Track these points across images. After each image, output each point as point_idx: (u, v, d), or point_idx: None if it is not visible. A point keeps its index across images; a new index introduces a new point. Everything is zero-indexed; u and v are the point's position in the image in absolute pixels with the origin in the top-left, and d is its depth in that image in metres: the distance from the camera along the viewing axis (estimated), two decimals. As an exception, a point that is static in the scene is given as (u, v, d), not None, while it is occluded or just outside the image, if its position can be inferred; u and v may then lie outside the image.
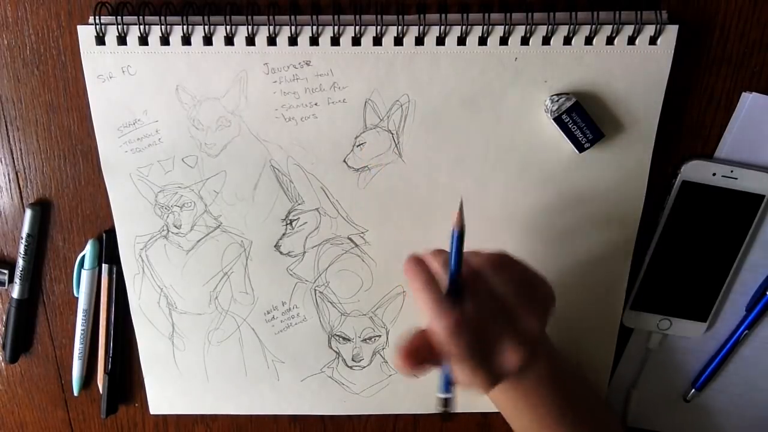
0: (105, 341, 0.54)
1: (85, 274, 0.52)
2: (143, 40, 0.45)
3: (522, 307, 0.39)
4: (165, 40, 0.45)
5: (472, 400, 0.55)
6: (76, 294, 0.53)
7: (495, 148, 0.47)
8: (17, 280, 0.52)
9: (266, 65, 0.45)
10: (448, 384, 0.41)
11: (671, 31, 0.44)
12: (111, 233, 0.51)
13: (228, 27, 0.44)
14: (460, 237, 0.39)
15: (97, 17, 0.44)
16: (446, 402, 0.41)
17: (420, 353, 0.40)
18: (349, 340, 0.53)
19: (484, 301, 0.39)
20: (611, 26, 0.44)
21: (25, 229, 0.51)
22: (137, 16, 0.44)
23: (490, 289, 0.39)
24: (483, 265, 0.40)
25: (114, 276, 0.52)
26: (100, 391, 0.56)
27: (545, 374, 0.41)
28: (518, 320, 0.39)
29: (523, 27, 0.44)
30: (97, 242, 0.52)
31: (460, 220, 0.39)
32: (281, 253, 0.51)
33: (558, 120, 0.45)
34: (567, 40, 0.44)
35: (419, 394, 0.55)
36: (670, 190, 0.49)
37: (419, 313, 0.52)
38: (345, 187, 0.49)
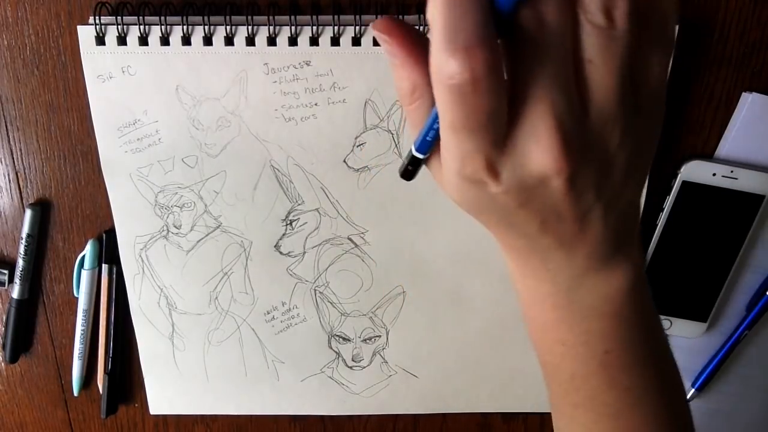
0: (105, 341, 0.54)
1: (85, 274, 0.52)
2: (143, 41, 0.45)
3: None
4: (165, 41, 0.45)
5: (472, 400, 0.55)
6: (76, 294, 0.53)
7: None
8: (17, 280, 0.52)
9: (266, 65, 0.45)
10: (430, 143, 0.24)
11: (671, 31, 0.44)
12: (111, 233, 0.51)
13: (228, 27, 0.44)
14: None
15: (97, 17, 0.44)
16: (415, 163, 0.26)
17: (409, 44, 0.23)
18: (349, 340, 0.53)
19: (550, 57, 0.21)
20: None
21: (25, 229, 0.51)
22: (137, 16, 0.44)
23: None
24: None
25: (114, 276, 0.52)
26: (100, 391, 0.56)
27: (636, 282, 0.27)
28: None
29: (523, 27, 0.44)
30: (97, 242, 0.52)
31: None
32: (281, 253, 0.51)
33: (558, 120, 0.45)
34: (567, 40, 0.44)
35: (419, 394, 0.55)
36: (670, 190, 0.48)
37: (419, 313, 0.52)
38: (345, 187, 0.49)
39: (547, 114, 0.21)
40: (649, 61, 0.22)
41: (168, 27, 0.44)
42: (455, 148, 0.22)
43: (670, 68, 0.45)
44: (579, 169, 0.22)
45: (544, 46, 0.20)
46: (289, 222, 0.50)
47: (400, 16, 0.44)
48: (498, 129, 0.21)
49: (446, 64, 0.19)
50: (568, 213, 0.23)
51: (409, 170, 0.27)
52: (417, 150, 0.25)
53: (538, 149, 0.21)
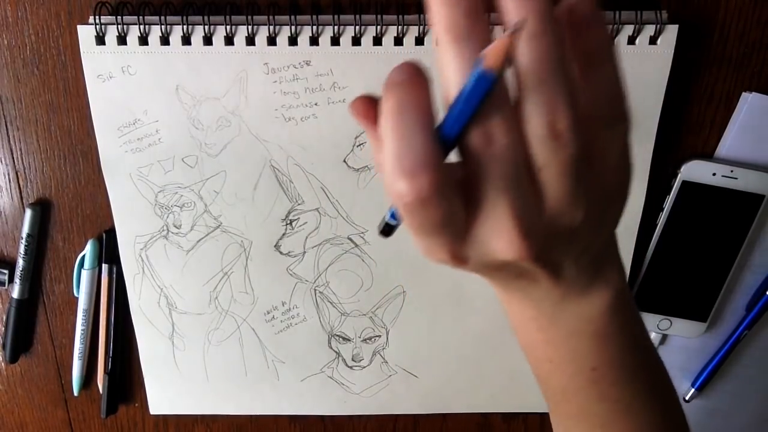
0: (105, 341, 0.54)
1: (85, 274, 0.52)
2: (143, 40, 0.45)
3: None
4: (165, 40, 0.45)
5: (472, 400, 0.55)
6: (76, 294, 0.53)
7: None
8: (17, 280, 0.52)
9: (266, 65, 0.45)
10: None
11: (671, 31, 0.44)
12: (111, 233, 0.51)
13: (228, 27, 0.44)
14: (487, 81, 0.20)
15: (97, 17, 0.44)
16: (389, 228, 0.27)
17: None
18: (349, 340, 0.53)
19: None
20: (611, 26, 0.44)
21: (25, 229, 0.51)
22: (137, 16, 0.44)
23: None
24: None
25: (114, 276, 0.52)
26: (100, 391, 0.56)
27: (619, 302, 0.28)
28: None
29: (523, 27, 0.44)
30: (97, 242, 0.52)
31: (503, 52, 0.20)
32: (281, 253, 0.51)
33: (558, 120, 0.45)
34: (567, 40, 0.44)
35: (419, 394, 0.55)
36: (670, 190, 0.48)
37: (419, 313, 0.52)
38: (345, 187, 0.49)
39: (506, 214, 0.22)
40: (606, 142, 0.23)
41: (168, 27, 0.44)
42: (420, 243, 0.24)
43: (670, 68, 0.45)
44: (542, 250, 0.23)
45: (495, 161, 0.21)
46: (289, 222, 0.50)
47: (400, 17, 0.44)
48: (456, 229, 0.23)
49: (395, 185, 0.21)
50: (540, 275, 0.25)
51: (386, 231, 0.28)
52: (391, 217, 0.26)
53: (501, 243, 0.23)
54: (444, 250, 0.23)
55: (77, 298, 0.53)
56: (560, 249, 0.24)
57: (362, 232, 0.50)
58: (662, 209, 0.49)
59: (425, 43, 0.45)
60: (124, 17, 0.44)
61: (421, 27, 0.44)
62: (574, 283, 0.26)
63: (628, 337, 0.29)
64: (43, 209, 0.51)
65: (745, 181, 0.48)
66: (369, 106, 0.24)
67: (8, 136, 0.49)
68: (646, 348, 0.31)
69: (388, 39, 0.44)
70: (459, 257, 0.24)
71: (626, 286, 0.29)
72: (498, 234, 0.22)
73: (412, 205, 0.21)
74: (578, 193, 0.22)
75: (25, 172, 0.50)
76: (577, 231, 0.23)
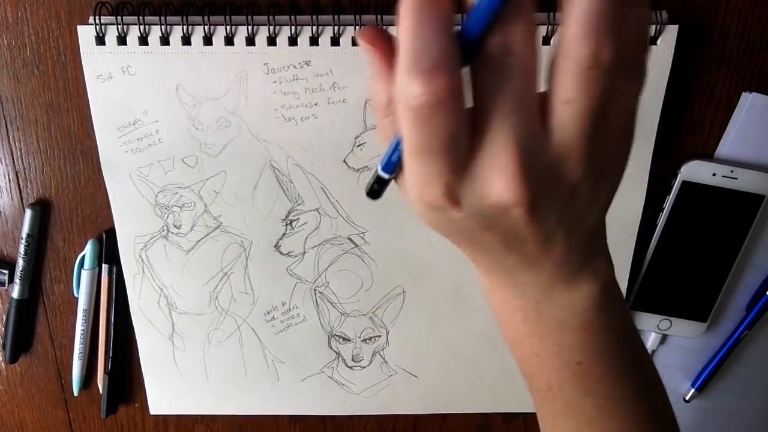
0: (105, 341, 0.54)
1: (85, 274, 0.52)
2: (143, 40, 0.45)
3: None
4: (165, 40, 0.45)
5: (472, 400, 0.55)
6: (76, 294, 0.53)
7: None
8: (17, 280, 0.52)
9: (266, 65, 0.45)
10: (395, 164, 0.25)
11: (671, 31, 0.44)
12: (111, 233, 0.51)
13: (228, 27, 0.44)
14: None
15: (97, 17, 0.44)
16: (381, 182, 0.27)
17: (391, 57, 0.23)
18: (349, 340, 0.53)
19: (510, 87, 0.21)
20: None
21: (25, 229, 0.51)
22: (137, 16, 0.44)
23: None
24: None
25: (114, 276, 0.52)
26: (100, 391, 0.56)
27: (604, 293, 0.27)
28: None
29: (523, 27, 0.44)
30: (97, 242, 0.52)
31: None
32: (281, 253, 0.51)
33: (558, 120, 0.45)
34: (567, 40, 0.44)
35: (419, 394, 0.55)
36: (670, 190, 0.48)
37: (419, 313, 0.52)
38: (345, 187, 0.49)
39: (509, 144, 0.21)
40: (621, 94, 0.21)
41: (168, 27, 0.44)
42: (416, 173, 0.22)
43: (670, 68, 0.45)
44: (539, 199, 0.22)
45: (509, 75, 0.20)
46: (289, 222, 0.50)
47: (400, 16, 0.44)
48: (458, 154, 0.21)
49: (409, 84, 0.19)
50: (530, 237, 0.24)
51: (375, 189, 0.27)
52: (383, 170, 0.25)
53: (499, 179, 0.21)
54: (440, 182, 0.22)
55: (77, 298, 0.53)
56: (555, 209, 0.23)
57: (362, 232, 0.50)
58: (662, 209, 0.49)
59: (425, 43, 0.44)
60: (124, 17, 0.44)
61: (421, 27, 0.44)
62: (563, 267, 0.26)
63: (615, 332, 0.29)
64: (43, 209, 0.51)
65: (745, 181, 0.48)
66: (376, 35, 0.23)
67: (8, 136, 0.49)
68: (635, 344, 0.31)
69: (388, 39, 0.44)
70: (453, 195, 0.22)
71: (614, 280, 0.28)
72: (498, 169, 0.21)
73: (424, 110, 0.20)
74: (590, 140, 0.21)
75: (25, 172, 0.50)
76: (575, 191, 0.23)
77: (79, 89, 0.48)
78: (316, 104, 0.46)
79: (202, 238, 0.50)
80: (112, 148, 0.48)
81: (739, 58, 0.46)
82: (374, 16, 0.44)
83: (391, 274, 0.51)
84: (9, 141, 0.49)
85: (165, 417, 0.58)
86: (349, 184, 0.49)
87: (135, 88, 0.46)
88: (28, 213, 0.51)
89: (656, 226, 0.50)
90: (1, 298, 0.54)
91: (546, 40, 0.44)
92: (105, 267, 0.52)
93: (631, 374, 0.30)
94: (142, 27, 0.44)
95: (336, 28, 0.44)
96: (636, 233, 0.49)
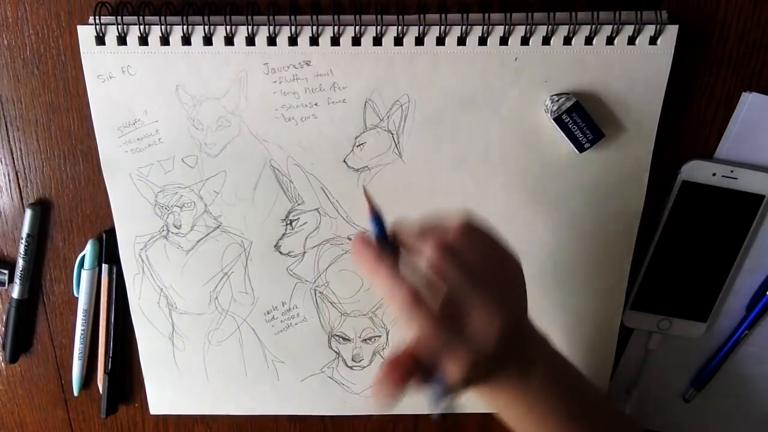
0: (105, 341, 0.54)
1: (85, 274, 0.52)
2: (143, 40, 0.45)
3: (495, 282, 0.36)
4: (165, 40, 0.45)
5: (472, 400, 0.55)
6: (76, 294, 0.53)
7: (495, 148, 0.47)
8: (17, 280, 0.52)
9: (266, 65, 0.45)
10: (441, 396, 0.37)
11: (671, 31, 0.44)
12: (111, 233, 0.51)
13: (228, 27, 0.44)
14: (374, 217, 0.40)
15: (97, 17, 0.44)
16: (443, 416, 0.38)
17: (404, 366, 0.36)
18: (349, 340, 0.53)
19: (454, 279, 0.35)
20: (611, 26, 0.44)
21: (25, 229, 0.51)
22: (137, 16, 0.44)
23: (459, 264, 0.36)
24: (450, 239, 0.37)
25: (114, 276, 0.52)
26: (100, 391, 0.56)
27: (549, 377, 0.38)
28: (493, 292, 0.36)
29: (523, 27, 0.44)
30: (97, 242, 0.52)
31: (370, 205, 0.41)
32: (281, 253, 0.51)
33: (558, 120, 0.45)
34: (567, 40, 0.44)
35: (419, 394, 0.55)
36: (670, 190, 0.49)
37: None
38: (345, 187, 0.49)
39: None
40: None
41: (168, 27, 0.44)
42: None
43: (670, 68, 0.45)
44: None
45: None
46: (289, 222, 0.50)
47: (400, 17, 0.44)
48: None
49: (396, 296, 0.36)
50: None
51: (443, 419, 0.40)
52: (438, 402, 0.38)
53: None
54: (464, 353, 0.36)
55: (77, 298, 0.53)
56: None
57: (362, 233, 0.50)
58: (662, 209, 0.49)
59: (425, 43, 0.45)
60: (124, 17, 0.44)
61: (421, 27, 0.44)
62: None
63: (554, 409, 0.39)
64: (43, 209, 0.51)
65: (745, 181, 0.48)
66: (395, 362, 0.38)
67: (8, 136, 0.49)
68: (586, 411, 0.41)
69: (388, 39, 0.44)
70: (473, 356, 0.36)
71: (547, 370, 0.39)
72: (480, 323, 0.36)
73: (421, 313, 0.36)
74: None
75: (25, 172, 0.50)
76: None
77: (79, 89, 0.48)
78: (316, 104, 0.46)
79: (202, 238, 0.50)
80: (112, 148, 0.48)
81: (739, 58, 0.46)
82: (374, 16, 0.44)
83: (391, 274, 0.51)
84: (9, 141, 0.49)
85: (165, 417, 0.58)
86: (349, 184, 0.49)
87: (135, 88, 0.46)
88: (28, 213, 0.51)
89: (656, 226, 0.50)
90: (1, 298, 0.54)
91: (546, 40, 0.44)
92: (105, 267, 0.52)
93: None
94: (142, 27, 0.44)
95: (336, 28, 0.44)
96: (636, 233, 0.49)
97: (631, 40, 0.44)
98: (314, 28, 0.44)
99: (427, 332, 0.35)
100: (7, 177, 0.51)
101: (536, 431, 0.40)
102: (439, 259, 0.36)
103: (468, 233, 0.37)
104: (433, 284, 0.36)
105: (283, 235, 0.50)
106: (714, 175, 0.48)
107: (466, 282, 0.36)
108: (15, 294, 0.53)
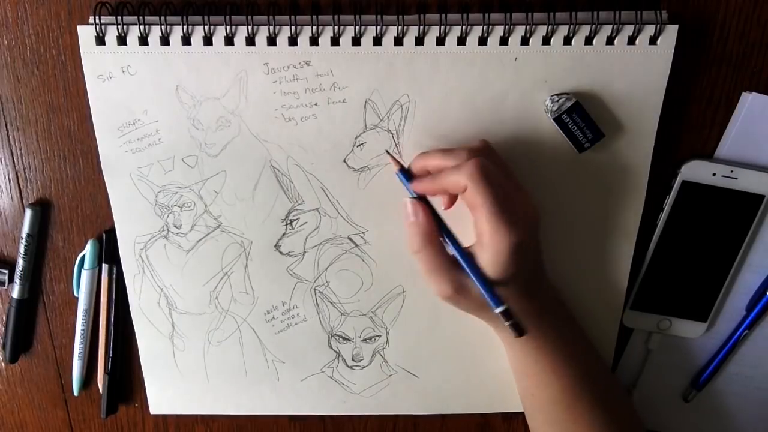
0: (105, 341, 0.54)
1: (85, 274, 0.52)
2: (143, 40, 0.45)
3: (520, 186, 0.44)
4: (165, 40, 0.45)
5: (472, 400, 0.55)
6: (76, 294, 0.53)
7: (495, 148, 0.47)
8: (17, 280, 0.52)
9: (266, 65, 0.45)
10: (493, 296, 0.41)
11: (671, 31, 0.44)
12: (111, 233, 0.51)
13: (228, 27, 0.44)
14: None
15: (97, 17, 0.44)
16: (507, 313, 0.41)
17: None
18: (349, 340, 0.53)
19: (496, 175, 0.40)
20: (611, 26, 0.44)
21: (25, 229, 0.51)
22: (137, 16, 0.44)
23: (494, 164, 0.41)
24: (479, 146, 0.43)
25: (114, 276, 0.52)
26: (100, 391, 0.56)
27: (558, 329, 0.45)
28: (523, 190, 0.44)
29: (523, 27, 0.44)
30: (97, 242, 0.52)
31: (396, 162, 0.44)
32: (281, 253, 0.51)
33: (558, 120, 0.45)
34: (567, 40, 0.44)
35: (419, 394, 0.55)
36: (670, 190, 0.49)
37: (419, 313, 0.52)
38: (345, 187, 0.49)
39: None
40: None
41: (168, 27, 0.44)
42: None
43: (670, 68, 0.45)
44: None
45: None
46: (289, 222, 0.50)
47: (400, 17, 0.44)
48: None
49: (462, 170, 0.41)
50: None
51: (516, 324, 0.42)
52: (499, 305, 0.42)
53: None
54: (511, 220, 0.40)
55: (77, 298, 0.53)
56: None
57: (362, 232, 0.50)
58: (662, 209, 0.49)
59: (425, 43, 0.45)
60: (124, 17, 0.44)
61: (421, 27, 0.44)
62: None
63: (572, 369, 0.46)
64: (43, 209, 0.51)
65: (745, 181, 0.48)
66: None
67: (8, 136, 0.49)
68: (595, 375, 0.47)
69: (388, 39, 0.44)
70: (519, 226, 0.40)
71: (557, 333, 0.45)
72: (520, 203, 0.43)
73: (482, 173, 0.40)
74: None
75: (25, 172, 0.50)
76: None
77: (79, 89, 0.48)
78: (316, 104, 0.46)
79: (202, 238, 0.50)
80: (112, 148, 0.48)
81: (739, 58, 0.46)
82: (374, 16, 0.44)
83: (391, 274, 0.51)
84: (9, 141, 0.49)
85: (165, 417, 0.58)
86: (349, 183, 0.49)
87: (135, 88, 0.46)
88: (28, 213, 0.51)
89: (656, 226, 0.50)
90: (1, 298, 0.54)
91: (546, 40, 0.44)
92: (105, 267, 0.52)
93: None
94: (142, 27, 0.44)
95: (336, 28, 0.44)
96: (636, 233, 0.49)
97: (631, 40, 0.44)
98: (314, 28, 0.44)
99: (493, 198, 0.39)
100: (7, 177, 0.51)
101: (540, 385, 0.46)
102: (479, 154, 0.41)
103: (488, 145, 0.44)
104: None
105: (283, 235, 0.50)
106: (714, 175, 0.48)
107: (502, 172, 0.42)
108: (15, 294, 0.53)
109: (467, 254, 0.42)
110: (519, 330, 0.41)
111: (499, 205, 0.39)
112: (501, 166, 0.43)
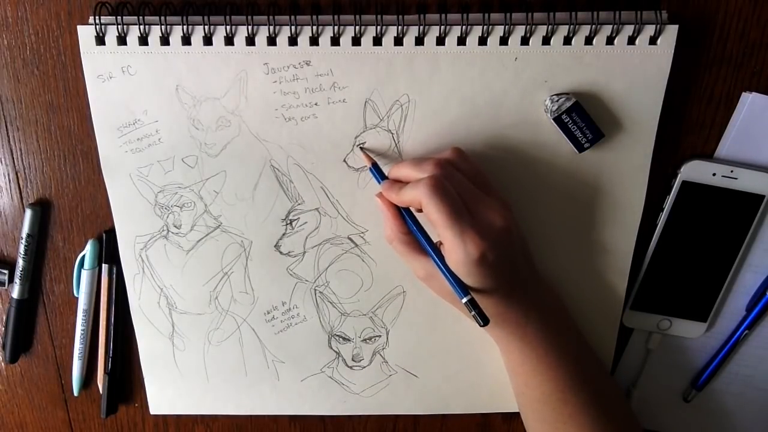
0: (105, 341, 0.54)
1: (85, 274, 0.52)
2: (143, 40, 0.45)
3: (492, 189, 0.44)
4: (165, 40, 0.45)
5: (472, 400, 0.55)
6: (76, 294, 0.53)
7: (495, 148, 0.47)
8: (17, 280, 0.52)
9: (266, 65, 0.45)
10: (459, 286, 0.41)
11: (671, 31, 0.44)
12: (111, 233, 0.51)
13: (228, 27, 0.44)
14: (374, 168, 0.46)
15: (97, 17, 0.44)
16: (472, 304, 0.41)
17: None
18: (349, 340, 0.53)
19: (455, 175, 0.42)
20: (611, 26, 0.44)
21: (25, 229, 0.51)
22: (137, 16, 0.44)
23: (458, 171, 0.43)
24: (447, 156, 0.44)
25: (114, 276, 0.52)
26: (100, 391, 0.56)
27: (546, 325, 0.45)
28: (492, 193, 0.44)
29: (523, 27, 0.44)
30: (97, 242, 0.52)
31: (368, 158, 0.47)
32: (281, 253, 0.51)
33: (558, 120, 0.45)
34: (567, 40, 0.44)
35: (419, 394, 0.55)
36: (670, 190, 0.49)
37: (419, 313, 0.52)
38: (345, 187, 0.49)
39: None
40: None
41: (168, 27, 0.44)
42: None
43: (670, 68, 0.45)
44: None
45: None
46: (289, 222, 0.50)
47: (400, 17, 0.44)
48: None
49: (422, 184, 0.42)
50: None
51: (481, 314, 0.41)
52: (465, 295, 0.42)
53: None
54: (470, 231, 0.41)
55: (77, 298, 0.53)
56: None
57: (362, 232, 0.50)
58: (662, 209, 0.49)
59: (425, 43, 0.45)
60: (124, 17, 0.44)
61: (421, 27, 0.44)
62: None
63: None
64: (43, 209, 0.51)
65: (745, 181, 0.48)
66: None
67: (8, 136, 0.49)
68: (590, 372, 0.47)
69: (388, 39, 0.44)
70: (478, 236, 0.41)
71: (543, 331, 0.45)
72: (485, 212, 0.43)
73: (434, 187, 0.41)
74: None
75: (25, 172, 0.50)
76: None
77: (79, 89, 0.48)
78: (316, 104, 0.46)
79: (202, 238, 0.50)
80: (112, 148, 0.48)
81: (739, 58, 0.46)
82: (374, 16, 0.44)
83: (391, 274, 0.51)
84: (9, 141, 0.49)
85: (165, 417, 0.58)
86: (349, 183, 0.49)
87: (135, 88, 0.46)
88: (28, 213, 0.51)
89: (656, 226, 0.50)
90: (1, 298, 0.54)
91: (546, 40, 0.44)
92: (105, 267, 0.52)
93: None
94: (142, 27, 0.44)
95: (336, 28, 0.44)
96: (636, 233, 0.49)
97: (631, 40, 0.44)
98: (314, 28, 0.44)
99: (446, 214, 0.40)
100: (7, 177, 0.51)
101: (528, 384, 0.47)
102: (439, 169, 0.41)
103: (459, 154, 0.44)
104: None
105: (283, 234, 0.50)
106: (714, 175, 0.48)
107: (467, 184, 0.42)
108: (15, 294, 0.53)
109: (435, 247, 0.43)
110: (483, 319, 0.41)
111: (454, 220, 0.40)
112: (471, 174, 0.43)
